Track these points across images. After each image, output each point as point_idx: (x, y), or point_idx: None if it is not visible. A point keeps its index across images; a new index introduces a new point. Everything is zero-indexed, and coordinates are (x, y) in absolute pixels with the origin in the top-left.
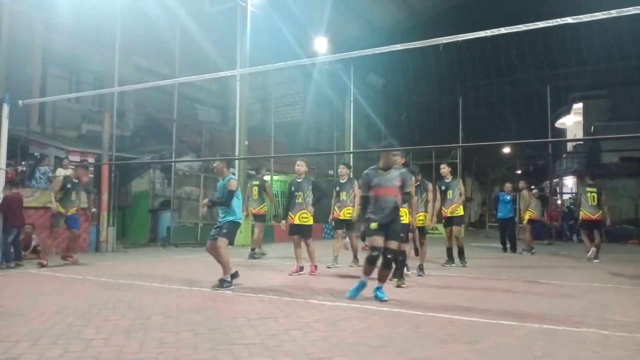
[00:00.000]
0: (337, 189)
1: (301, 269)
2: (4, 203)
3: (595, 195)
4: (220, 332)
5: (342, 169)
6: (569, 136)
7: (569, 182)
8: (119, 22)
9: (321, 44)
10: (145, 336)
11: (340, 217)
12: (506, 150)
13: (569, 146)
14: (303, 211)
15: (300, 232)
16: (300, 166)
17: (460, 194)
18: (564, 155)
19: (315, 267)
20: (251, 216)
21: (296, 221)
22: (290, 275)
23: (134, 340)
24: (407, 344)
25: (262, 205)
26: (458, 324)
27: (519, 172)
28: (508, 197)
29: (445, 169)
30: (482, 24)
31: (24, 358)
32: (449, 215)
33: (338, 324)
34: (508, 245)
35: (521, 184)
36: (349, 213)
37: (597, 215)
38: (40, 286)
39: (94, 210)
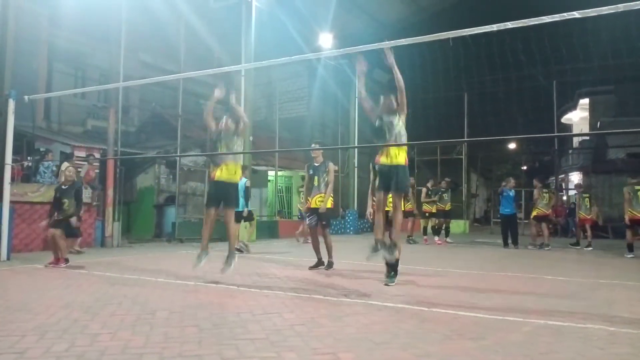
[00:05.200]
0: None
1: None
2: None
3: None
4: (225, 327)
5: None
6: (575, 132)
7: (575, 177)
8: (124, 18)
9: (326, 40)
10: (151, 331)
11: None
12: (512, 146)
13: (575, 142)
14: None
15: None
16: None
17: (326, 183)
18: (570, 151)
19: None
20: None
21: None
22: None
23: (139, 335)
24: (412, 340)
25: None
26: (463, 320)
27: (524, 168)
28: (511, 193)
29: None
30: (487, 20)
31: (31, 352)
32: (312, 206)
33: (342, 319)
34: (510, 241)
35: (535, 181)
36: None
37: None
38: (46, 281)
39: (96, 204)
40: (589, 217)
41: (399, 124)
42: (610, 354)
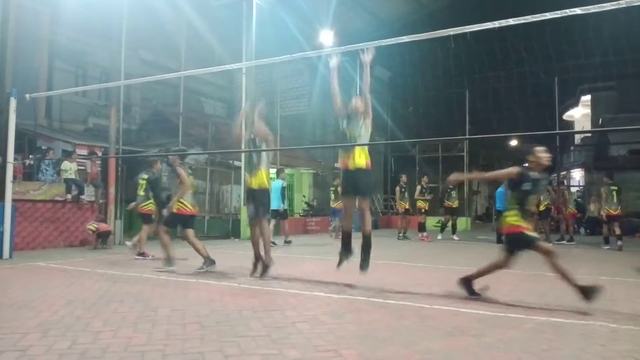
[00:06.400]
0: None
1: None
2: None
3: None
4: (227, 324)
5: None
6: (577, 129)
7: (577, 175)
8: (125, 16)
9: (327, 37)
10: (153, 328)
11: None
12: (513, 142)
13: (577, 139)
14: None
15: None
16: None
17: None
18: (572, 148)
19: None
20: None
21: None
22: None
23: (142, 332)
24: (414, 337)
25: (147, 203)
26: (464, 317)
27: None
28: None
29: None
30: (489, 16)
31: (33, 350)
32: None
33: (344, 316)
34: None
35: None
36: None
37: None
38: (48, 279)
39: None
40: (573, 212)
41: (363, 127)
42: (611, 351)
